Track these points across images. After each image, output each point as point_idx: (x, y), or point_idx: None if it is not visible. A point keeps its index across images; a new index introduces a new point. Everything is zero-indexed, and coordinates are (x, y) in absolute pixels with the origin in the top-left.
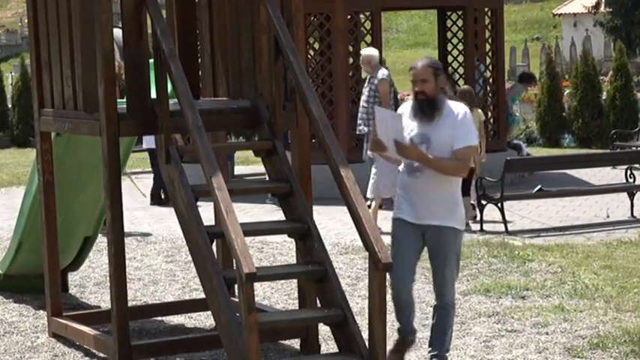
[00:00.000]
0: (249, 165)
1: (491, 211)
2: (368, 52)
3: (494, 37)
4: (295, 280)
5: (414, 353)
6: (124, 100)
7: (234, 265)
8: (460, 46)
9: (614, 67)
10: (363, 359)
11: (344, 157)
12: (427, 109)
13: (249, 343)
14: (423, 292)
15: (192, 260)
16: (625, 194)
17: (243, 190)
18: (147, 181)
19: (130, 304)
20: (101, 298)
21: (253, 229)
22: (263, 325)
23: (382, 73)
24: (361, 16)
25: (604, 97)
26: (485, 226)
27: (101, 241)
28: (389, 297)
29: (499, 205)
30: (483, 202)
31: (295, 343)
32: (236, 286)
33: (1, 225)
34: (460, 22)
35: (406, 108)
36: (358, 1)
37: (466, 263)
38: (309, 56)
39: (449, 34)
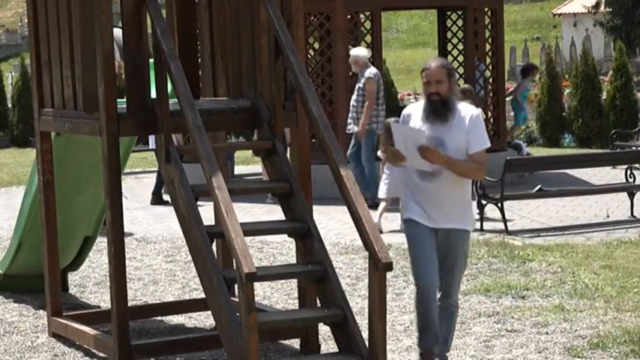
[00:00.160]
0: (249, 165)
1: (491, 211)
2: (355, 52)
3: (494, 37)
4: (295, 280)
5: (414, 353)
6: (124, 99)
7: (234, 264)
8: (460, 46)
9: (614, 67)
10: (363, 359)
11: (344, 157)
12: (441, 110)
13: (249, 342)
14: None
15: (192, 260)
16: (625, 194)
17: (243, 190)
18: (147, 181)
19: (130, 303)
20: (101, 298)
21: (253, 229)
22: (263, 324)
23: (369, 72)
24: (361, 16)
25: (604, 97)
26: (485, 226)
27: (101, 241)
28: (389, 297)
29: (499, 204)
30: (483, 202)
31: (295, 343)
32: (236, 285)
33: (1, 225)
34: (460, 22)
35: (415, 109)
36: (358, 1)
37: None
38: (309, 56)
39: (449, 34)
